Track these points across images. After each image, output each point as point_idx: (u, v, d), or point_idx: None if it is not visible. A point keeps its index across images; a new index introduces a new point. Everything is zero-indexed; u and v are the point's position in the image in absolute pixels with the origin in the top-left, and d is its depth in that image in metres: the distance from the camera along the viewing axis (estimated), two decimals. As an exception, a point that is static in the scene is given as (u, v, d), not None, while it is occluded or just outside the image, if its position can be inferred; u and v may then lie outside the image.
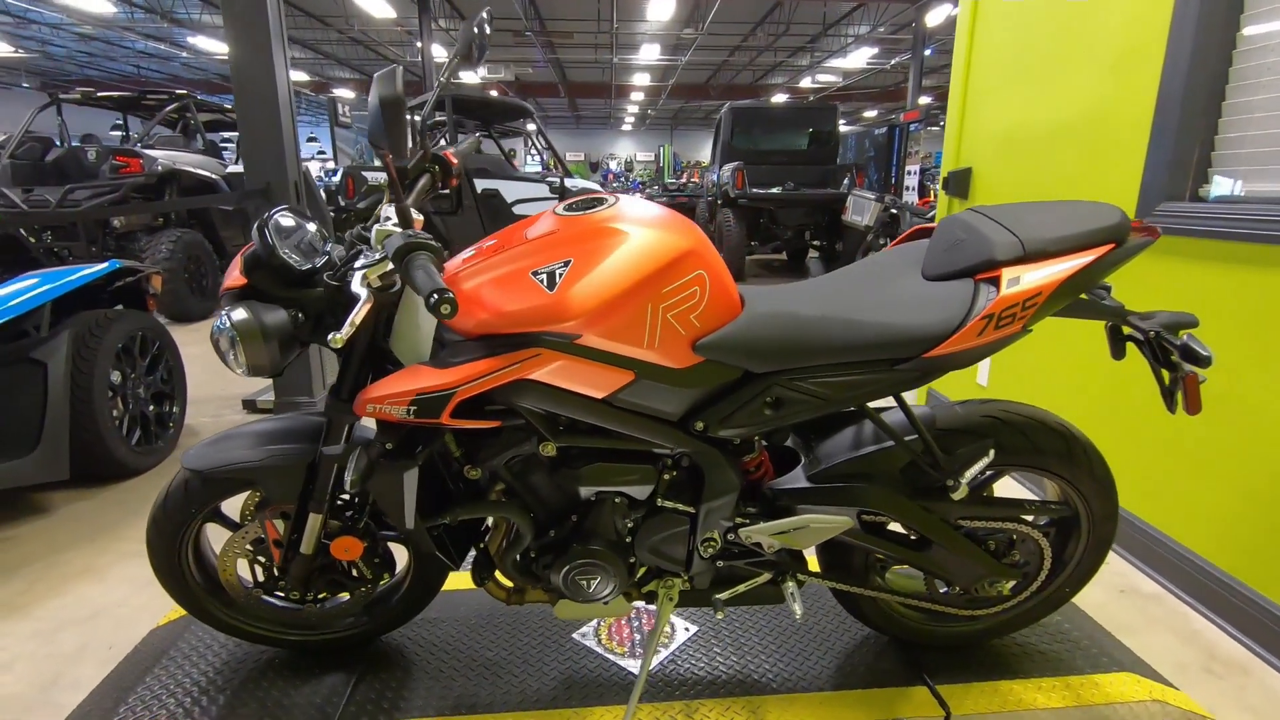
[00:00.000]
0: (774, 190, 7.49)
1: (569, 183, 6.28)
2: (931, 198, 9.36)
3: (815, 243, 8.03)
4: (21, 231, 4.81)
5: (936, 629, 1.52)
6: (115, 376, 2.47)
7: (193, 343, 4.60)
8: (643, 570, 1.34)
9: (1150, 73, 1.87)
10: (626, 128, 32.50)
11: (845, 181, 7.68)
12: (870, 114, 25.76)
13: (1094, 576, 1.47)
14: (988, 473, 1.38)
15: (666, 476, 1.24)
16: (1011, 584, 1.40)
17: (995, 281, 1.12)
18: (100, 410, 2.36)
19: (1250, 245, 1.61)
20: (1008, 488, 2.42)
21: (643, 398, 1.11)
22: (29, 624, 1.73)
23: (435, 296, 0.85)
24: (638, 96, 23.59)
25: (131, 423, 2.57)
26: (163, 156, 5.42)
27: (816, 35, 15.64)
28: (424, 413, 1.05)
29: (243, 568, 1.42)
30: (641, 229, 1.08)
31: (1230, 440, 1.68)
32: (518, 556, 1.30)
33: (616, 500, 1.25)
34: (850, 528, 1.27)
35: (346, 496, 1.39)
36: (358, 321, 0.98)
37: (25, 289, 2.30)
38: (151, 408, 2.68)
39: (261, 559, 1.40)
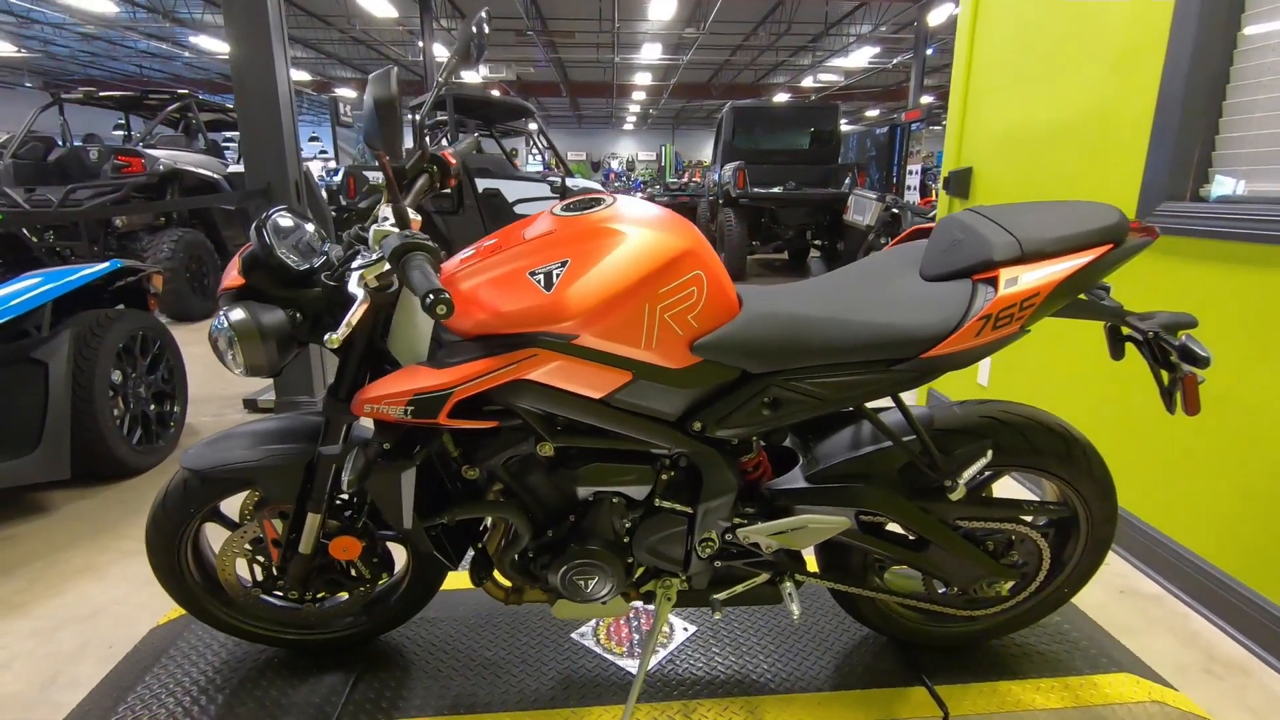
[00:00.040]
0: (775, 190, 7.49)
1: (570, 182, 6.28)
2: (933, 197, 9.35)
3: (817, 242, 8.02)
4: (24, 231, 4.82)
5: (935, 629, 1.52)
6: (116, 376, 2.48)
7: (194, 342, 4.60)
8: (641, 570, 1.34)
9: (1151, 72, 1.87)
10: (628, 127, 32.50)
11: (847, 181, 7.68)
12: (872, 113, 25.73)
13: (1093, 577, 1.47)
14: (986, 473, 1.37)
15: (664, 477, 1.24)
16: (1010, 584, 1.40)
17: (993, 282, 1.11)
18: (101, 409, 2.36)
19: (1251, 245, 1.61)
20: (1008, 488, 2.41)
21: (640, 398, 1.11)
22: (29, 622, 1.73)
23: (431, 297, 0.85)
24: (639, 96, 23.59)
25: (132, 422, 2.58)
26: (164, 156, 5.43)
27: (818, 34, 15.62)
28: (421, 413, 1.05)
29: (241, 567, 1.42)
30: (639, 229, 1.08)
31: (1231, 441, 1.68)
32: (516, 556, 1.30)
33: (614, 500, 1.25)
34: (848, 528, 1.27)
35: (345, 496, 1.39)
36: (354, 322, 0.98)
37: (26, 289, 2.31)
38: (152, 407, 2.68)
39: (260, 558, 1.40)
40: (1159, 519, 1.91)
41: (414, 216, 1.11)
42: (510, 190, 5.75)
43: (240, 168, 5.91)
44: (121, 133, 7.26)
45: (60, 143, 6.13)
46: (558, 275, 1.04)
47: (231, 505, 1.43)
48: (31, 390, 2.22)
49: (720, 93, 21.80)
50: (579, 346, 1.05)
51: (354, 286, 1.01)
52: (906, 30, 15.01)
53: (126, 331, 2.52)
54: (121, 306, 2.69)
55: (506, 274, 1.05)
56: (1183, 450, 1.82)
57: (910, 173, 10.05)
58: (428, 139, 6.66)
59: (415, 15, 12.80)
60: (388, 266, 1.00)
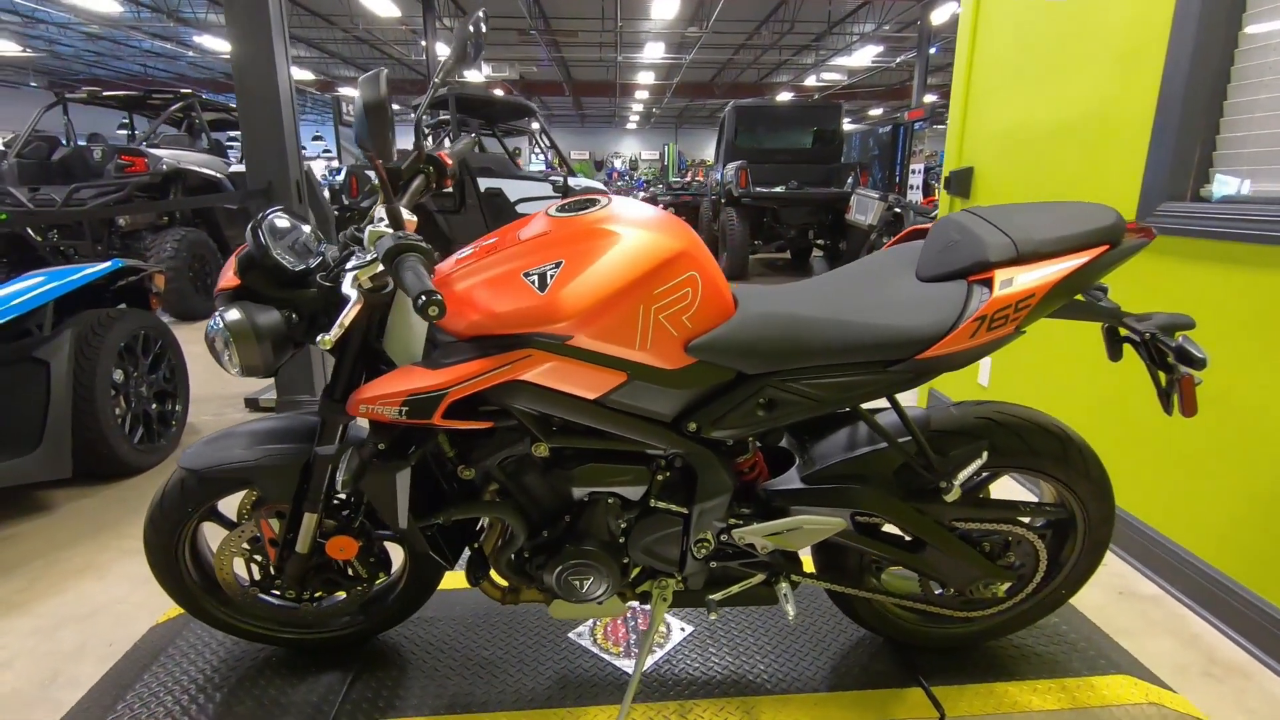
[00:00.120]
0: (777, 189, 7.48)
1: (572, 181, 6.28)
2: (936, 197, 9.32)
3: (819, 242, 8.01)
4: (28, 230, 4.84)
5: (932, 630, 1.52)
6: (118, 375, 2.49)
7: (197, 341, 4.62)
8: (636, 570, 1.34)
9: (1152, 72, 1.86)
10: (631, 126, 32.49)
11: (849, 180, 7.66)
12: (875, 112, 25.68)
13: (1090, 578, 1.46)
14: (983, 474, 1.37)
15: (660, 477, 1.24)
16: (1007, 586, 1.40)
17: (988, 283, 1.11)
18: (103, 409, 2.37)
19: (1252, 246, 1.60)
20: (1008, 489, 2.41)
21: (635, 399, 1.11)
22: (30, 621, 1.74)
23: (423, 298, 0.85)
24: (642, 95, 23.57)
25: (134, 421, 2.59)
26: (167, 156, 5.45)
27: (821, 33, 15.59)
28: (416, 413, 1.05)
29: (239, 566, 1.43)
30: (633, 230, 1.08)
31: (1232, 442, 1.67)
32: (512, 556, 1.30)
33: (609, 501, 1.25)
34: (844, 529, 1.27)
35: (342, 496, 1.40)
36: (347, 323, 0.98)
37: (28, 288, 2.32)
38: (154, 406, 2.69)
39: (258, 558, 1.41)
40: (1159, 520, 1.91)
41: (409, 217, 1.12)
42: (512, 190, 5.75)
43: (243, 167, 5.93)
44: (125, 132, 7.29)
45: (64, 142, 6.14)
46: (552, 276, 1.04)
47: (229, 505, 1.43)
48: (33, 389, 2.23)
49: (723, 92, 21.78)
50: (573, 347, 1.05)
51: (348, 287, 1.01)
52: (910, 29, 14.97)
53: (128, 331, 2.53)
54: (123, 306, 2.70)
55: (501, 275, 1.06)
56: (1184, 451, 1.81)
57: (913, 172, 10.03)
58: (430, 139, 6.69)
59: (418, 14, 12.82)
60: (381, 268, 1.00)
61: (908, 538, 1.36)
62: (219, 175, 5.86)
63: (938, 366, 1.14)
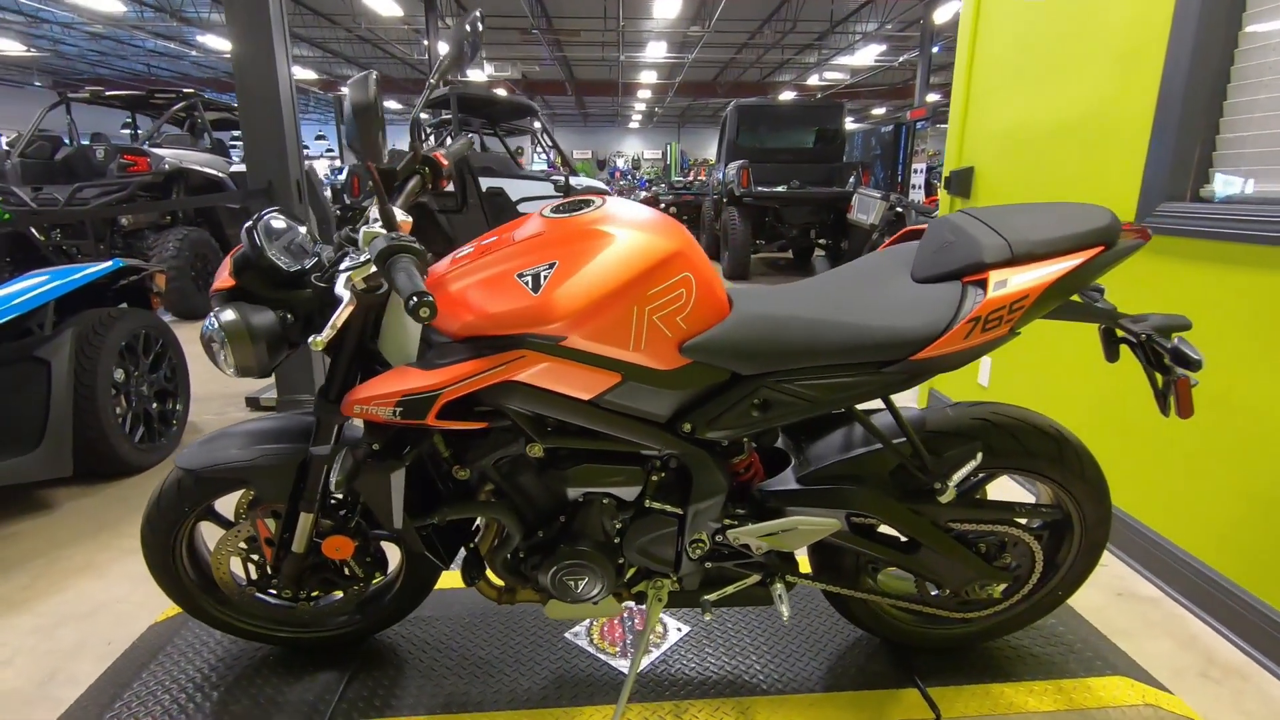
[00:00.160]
0: (779, 188, 7.47)
1: (574, 181, 6.28)
2: (938, 196, 9.30)
3: (821, 241, 8.00)
4: (32, 230, 4.86)
5: (928, 631, 1.52)
6: (119, 374, 2.50)
7: (198, 340, 4.63)
8: (632, 571, 1.34)
9: (1152, 72, 1.86)
10: (634, 125, 32.48)
11: (851, 180, 7.65)
12: (878, 111, 25.63)
13: (1087, 580, 1.46)
14: (979, 475, 1.37)
15: (655, 478, 1.24)
16: (1003, 587, 1.40)
17: (983, 284, 1.11)
18: (103, 408, 2.38)
19: (1252, 246, 1.59)
20: (1007, 490, 2.41)
21: (630, 399, 1.11)
22: (30, 619, 1.75)
23: (414, 299, 0.85)
24: (645, 94, 23.55)
25: (135, 420, 2.60)
26: (170, 155, 5.46)
27: (824, 32, 15.56)
28: (410, 414, 1.06)
29: (236, 566, 1.43)
30: (627, 231, 1.08)
31: (1232, 443, 1.67)
32: (507, 556, 1.30)
33: (604, 501, 1.25)
34: (839, 530, 1.27)
35: (338, 496, 1.40)
36: (339, 324, 0.98)
37: (29, 288, 2.33)
38: (155, 405, 2.70)
39: (255, 557, 1.41)
40: (1158, 521, 1.90)
41: (403, 218, 1.12)
42: (514, 189, 5.76)
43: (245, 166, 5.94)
44: (128, 132, 7.31)
45: (67, 141, 6.17)
46: (545, 277, 1.04)
47: (226, 504, 1.44)
48: (34, 388, 2.24)
49: (725, 91, 21.76)
50: (567, 348, 1.05)
51: (341, 288, 1.01)
52: (912, 28, 14.94)
53: (129, 330, 2.54)
54: (124, 305, 2.71)
55: (494, 275, 1.06)
56: (1183, 453, 1.81)
57: (915, 171, 10.01)
58: (432, 138, 6.70)
59: (420, 14, 12.83)
60: (375, 269, 1.00)
61: (903, 539, 1.36)
62: (221, 175, 5.88)
63: (932, 368, 1.14)
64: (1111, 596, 1.86)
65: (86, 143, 6.09)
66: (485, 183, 5.59)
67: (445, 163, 1.31)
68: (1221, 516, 1.70)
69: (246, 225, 1.14)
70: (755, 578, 1.35)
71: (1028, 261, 1.11)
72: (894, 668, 1.52)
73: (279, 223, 1.18)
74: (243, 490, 1.38)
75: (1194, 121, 1.76)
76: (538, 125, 7.00)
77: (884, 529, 1.37)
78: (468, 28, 1.24)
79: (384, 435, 1.15)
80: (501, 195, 5.68)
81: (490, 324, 1.05)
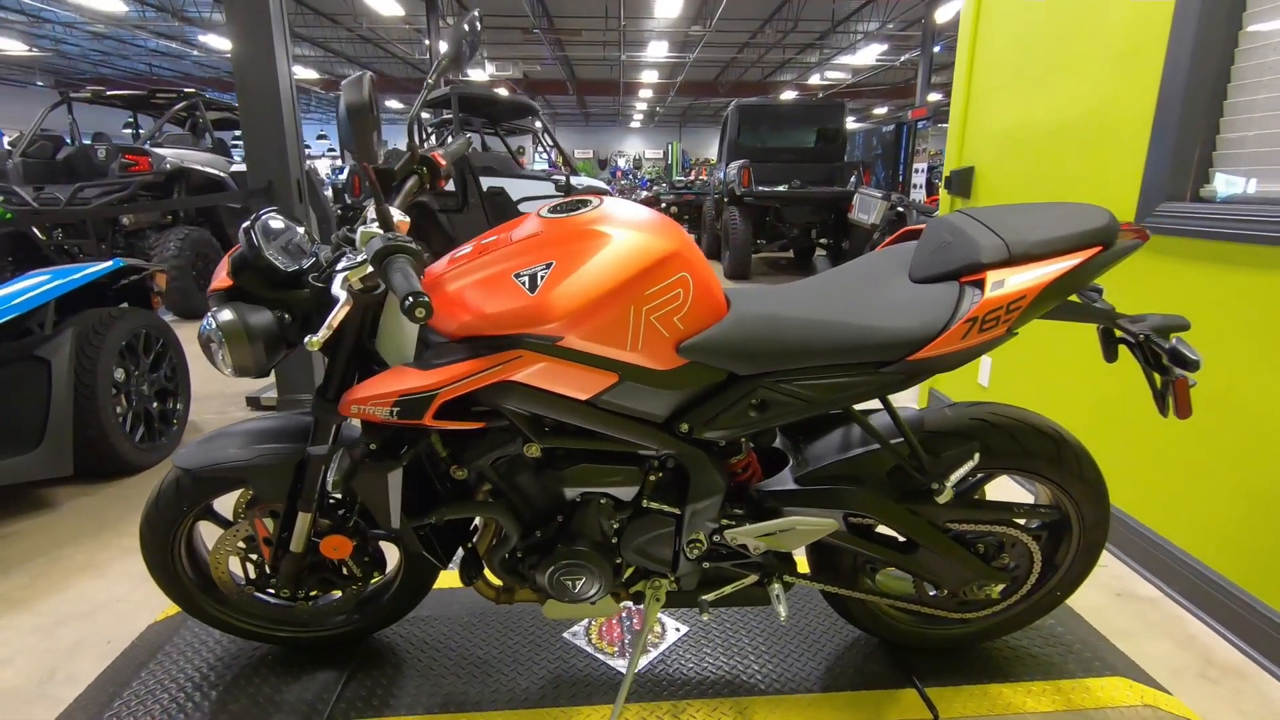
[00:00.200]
0: (780, 188, 7.47)
1: (575, 180, 6.29)
2: (939, 196, 9.28)
3: (822, 241, 8.00)
4: (33, 229, 4.87)
5: (926, 631, 1.52)
6: (119, 374, 2.50)
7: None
8: (630, 571, 1.34)
9: (1152, 72, 1.85)
10: (635, 125, 32.48)
11: (852, 179, 7.64)
12: (880, 111, 25.60)
13: (1085, 580, 1.46)
14: (977, 475, 1.37)
15: (652, 478, 1.24)
16: (1001, 587, 1.40)
17: (980, 284, 1.11)
18: (104, 407, 2.38)
19: (1252, 246, 1.59)
20: (1006, 490, 2.40)
21: (627, 399, 1.11)
22: (30, 618, 1.75)
23: (410, 299, 0.85)
24: (646, 94, 23.55)
25: (135, 419, 2.60)
26: (171, 155, 5.47)
27: (825, 32, 15.55)
28: (407, 414, 1.06)
29: (235, 565, 1.43)
30: (624, 231, 1.08)
31: (1232, 444, 1.67)
32: (505, 556, 1.30)
33: (602, 501, 1.25)
34: (837, 530, 1.27)
35: (337, 495, 1.40)
36: (335, 324, 0.98)
37: (29, 287, 2.33)
38: (155, 404, 2.71)
39: (253, 557, 1.41)
40: (1158, 522, 1.90)
41: (401, 218, 1.12)
42: (515, 188, 5.76)
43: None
44: (130, 131, 7.32)
45: (69, 141, 6.18)
46: (542, 277, 1.04)
47: (225, 504, 1.44)
48: (34, 388, 2.24)
49: (727, 90, 21.75)
50: (564, 348, 1.05)
51: (337, 289, 1.02)
52: (914, 28, 14.92)
53: (129, 330, 2.54)
54: (125, 305, 2.71)
55: (491, 276, 1.06)
56: (1183, 453, 1.80)
57: (916, 171, 10.00)
58: (434, 137, 6.70)
59: (422, 13, 12.83)
60: (371, 269, 1.00)
61: (901, 539, 1.36)
62: (222, 174, 5.88)
63: (930, 368, 1.13)
64: (1110, 597, 1.86)
65: (88, 142, 6.10)
66: (486, 182, 5.60)
67: (443, 163, 1.31)
68: (1221, 517, 1.70)
69: (244, 225, 1.14)
70: (753, 578, 1.35)
71: (1025, 262, 1.11)
72: (892, 668, 1.52)
73: (277, 223, 1.18)
74: (241, 490, 1.39)
75: (1194, 121, 1.76)
76: (539, 125, 7.01)
77: (882, 529, 1.36)
78: (466, 27, 1.24)
79: (381, 435, 1.15)
80: (502, 195, 5.68)
81: (487, 324, 1.05)
